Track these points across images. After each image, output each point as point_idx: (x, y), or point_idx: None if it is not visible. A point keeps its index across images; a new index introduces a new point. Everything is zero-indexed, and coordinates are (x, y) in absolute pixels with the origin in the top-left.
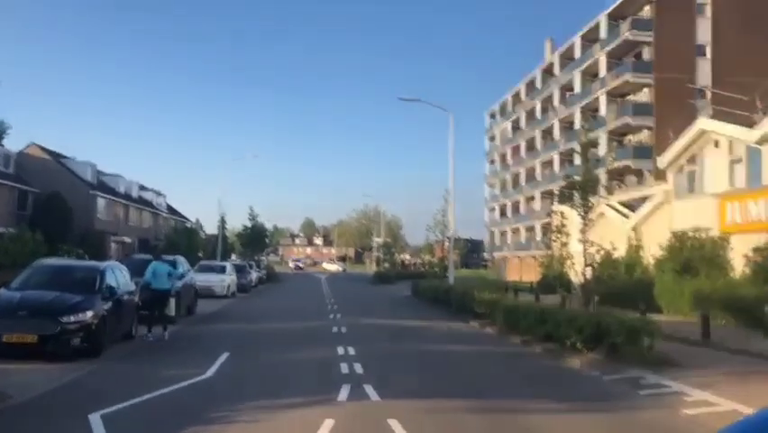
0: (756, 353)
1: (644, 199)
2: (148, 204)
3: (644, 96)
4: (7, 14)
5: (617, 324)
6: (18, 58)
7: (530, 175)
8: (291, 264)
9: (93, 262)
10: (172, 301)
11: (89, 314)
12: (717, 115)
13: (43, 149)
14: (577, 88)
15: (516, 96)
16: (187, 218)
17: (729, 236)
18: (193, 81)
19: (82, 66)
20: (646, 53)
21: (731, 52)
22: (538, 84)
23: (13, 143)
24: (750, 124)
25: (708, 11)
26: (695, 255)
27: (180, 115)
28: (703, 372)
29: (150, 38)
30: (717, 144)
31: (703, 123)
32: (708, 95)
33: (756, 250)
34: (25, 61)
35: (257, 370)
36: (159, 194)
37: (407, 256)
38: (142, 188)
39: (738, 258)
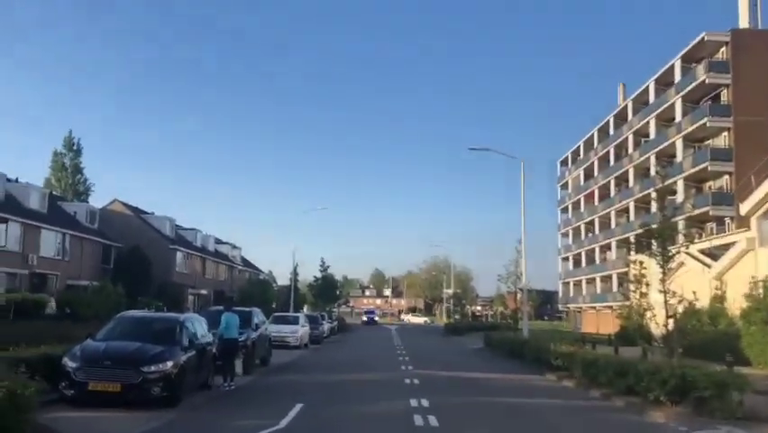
0: None
1: (726, 247)
2: (224, 257)
3: (723, 140)
4: (82, 78)
5: (703, 377)
6: (100, 119)
7: (604, 223)
8: (364, 317)
9: (173, 314)
10: (239, 362)
11: (169, 364)
12: None
13: (125, 205)
14: (652, 134)
15: (589, 143)
16: (260, 270)
17: None
18: (266, 138)
19: (159, 123)
20: (724, 96)
21: None
22: (611, 130)
23: (97, 200)
24: None
25: None
26: None
27: (255, 169)
28: None
29: (221, 92)
30: None
31: None
32: None
33: None
34: (107, 122)
35: (331, 421)
36: (234, 247)
37: (478, 307)
38: (218, 241)
39: None
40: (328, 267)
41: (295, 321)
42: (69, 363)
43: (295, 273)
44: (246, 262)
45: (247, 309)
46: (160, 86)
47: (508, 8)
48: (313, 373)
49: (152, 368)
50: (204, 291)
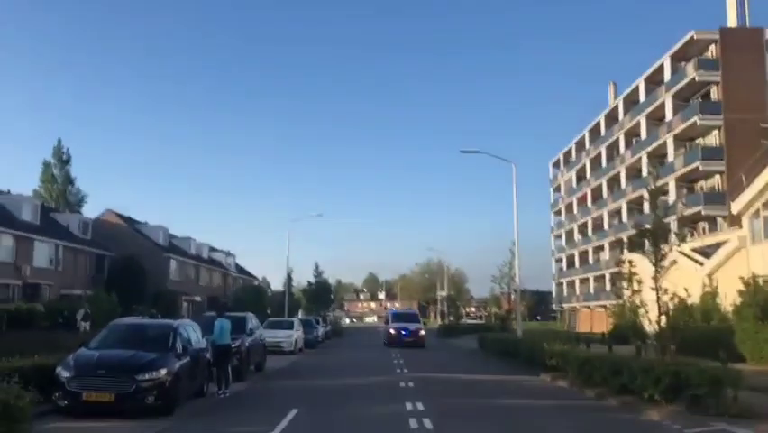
0: None
1: (718, 246)
2: (217, 264)
3: (714, 138)
4: (76, 76)
5: (697, 374)
6: (89, 127)
7: (597, 225)
8: (392, 328)
9: (166, 321)
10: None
11: (163, 372)
12: None
13: (118, 215)
14: (643, 134)
15: (580, 145)
16: (254, 276)
17: None
18: (261, 144)
19: (152, 132)
20: (714, 94)
21: None
22: (602, 130)
23: (90, 210)
24: None
25: None
26: None
27: (251, 176)
28: None
29: (215, 103)
30: None
31: None
32: None
33: None
34: (97, 130)
35: (326, 426)
36: (228, 254)
37: (473, 309)
38: (212, 249)
39: None
40: (322, 272)
41: (289, 326)
42: (63, 373)
43: (289, 279)
44: (240, 269)
45: (241, 315)
46: (154, 97)
47: (496, 10)
48: (308, 378)
49: (146, 376)
50: (198, 298)
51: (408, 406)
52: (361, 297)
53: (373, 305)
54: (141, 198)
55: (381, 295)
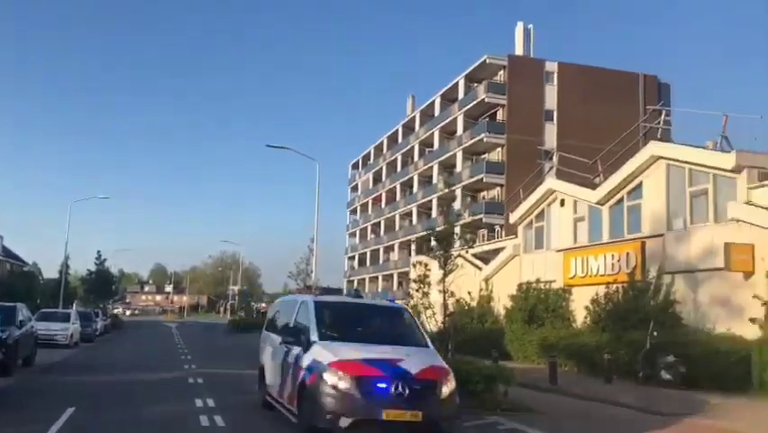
0: (599, 397)
1: (495, 252)
2: None
3: (497, 155)
4: None
5: (475, 371)
6: None
7: (389, 226)
8: (343, 372)
9: None
10: None
11: None
12: (562, 176)
13: None
14: (436, 145)
15: (379, 149)
16: (24, 261)
17: (571, 288)
18: (34, 116)
19: None
20: (500, 115)
21: (574, 119)
22: (400, 138)
23: None
24: (591, 185)
25: (555, 80)
26: (540, 306)
27: (22, 148)
28: (554, 415)
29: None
30: (562, 203)
31: (550, 183)
32: (555, 157)
33: (594, 301)
34: None
35: (107, 427)
36: None
37: (264, 304)
38: None
39: (579, 309)
40: (105, 260)
41: (65, 318)
42: None
43: (65, 266)
44: (8, 252)
45: (10, 305)
46: None
47: (311, 12)
48: (85, 374)
49: None
50: None
51: (198, 403)
52: (146, 289)
53: (159, 298)
54: None
55: (168, 288)
